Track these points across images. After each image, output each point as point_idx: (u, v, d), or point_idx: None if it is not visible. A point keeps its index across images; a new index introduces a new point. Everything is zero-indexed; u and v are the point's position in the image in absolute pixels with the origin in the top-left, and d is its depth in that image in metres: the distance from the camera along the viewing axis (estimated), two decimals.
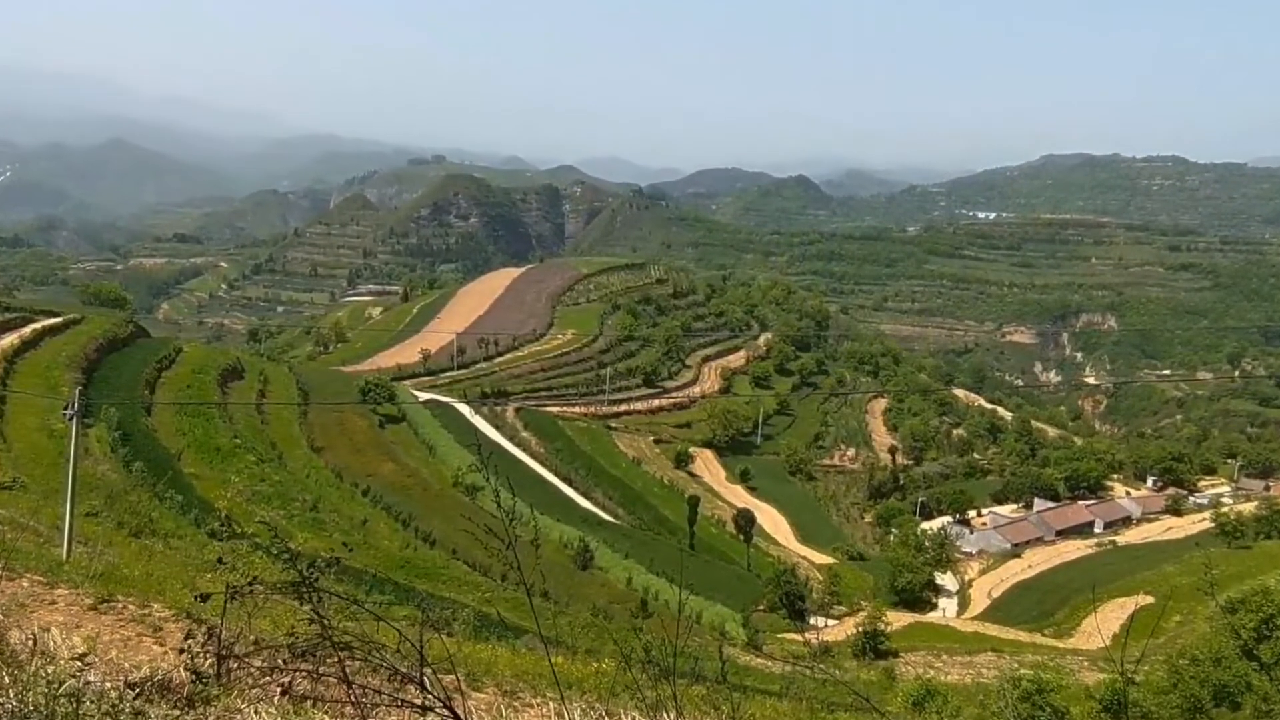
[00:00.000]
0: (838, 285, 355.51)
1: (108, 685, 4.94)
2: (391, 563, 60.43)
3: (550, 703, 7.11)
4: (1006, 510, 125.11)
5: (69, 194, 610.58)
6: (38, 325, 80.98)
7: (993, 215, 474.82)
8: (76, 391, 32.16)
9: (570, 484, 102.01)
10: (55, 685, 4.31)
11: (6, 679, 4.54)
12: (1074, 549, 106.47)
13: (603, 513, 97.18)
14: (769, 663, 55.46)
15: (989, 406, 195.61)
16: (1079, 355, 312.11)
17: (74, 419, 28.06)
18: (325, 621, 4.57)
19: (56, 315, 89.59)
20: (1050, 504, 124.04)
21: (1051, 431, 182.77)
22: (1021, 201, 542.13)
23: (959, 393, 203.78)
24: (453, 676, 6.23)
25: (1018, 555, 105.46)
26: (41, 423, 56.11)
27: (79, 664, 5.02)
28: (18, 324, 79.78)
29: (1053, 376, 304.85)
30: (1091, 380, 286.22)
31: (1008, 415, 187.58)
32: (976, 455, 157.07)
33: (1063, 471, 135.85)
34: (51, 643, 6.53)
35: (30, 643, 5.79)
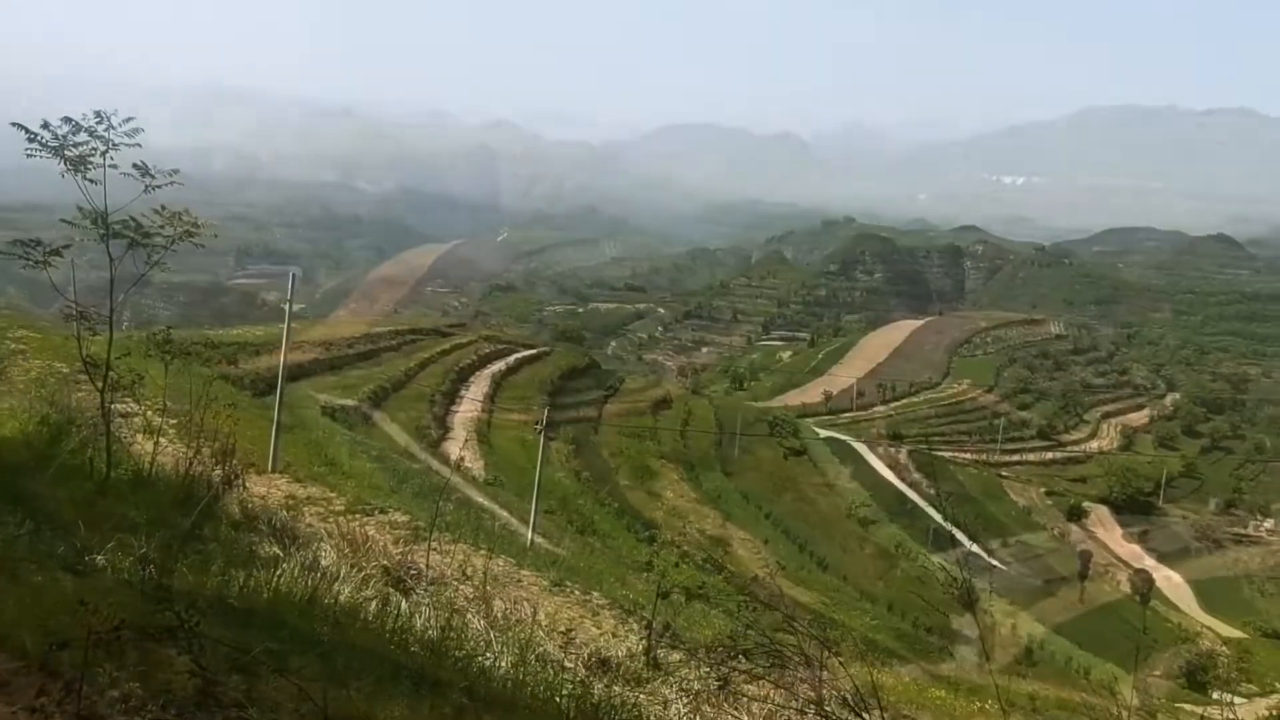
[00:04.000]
0: (1260, 348, 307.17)
1: (565, 658, 5.38)
2: (788, 582, 60.62)
3: None
4: None
5: (548, 251, 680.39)
6: (519, 355, 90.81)
7: None
8: (544, 412, 35.77)
9: (958, 526, 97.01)
10: (538, 650, 4.76)
11: (494, 640, 5.14)
12: None
13: (989, 557, 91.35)
14: None
15: None
16: None
17: (542, 434, 31.24)
18: (796, 631, 4.20)
19: (533, 348, 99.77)
20: None
21: None
22: None
23: None
24: (845, 693, 6.11)
25: None
26: (517, 434, 62.36)
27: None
28: (504, 354, 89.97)
29: None
30: None
31: None
32: None
33: None
34: (523, 614, 7.32)
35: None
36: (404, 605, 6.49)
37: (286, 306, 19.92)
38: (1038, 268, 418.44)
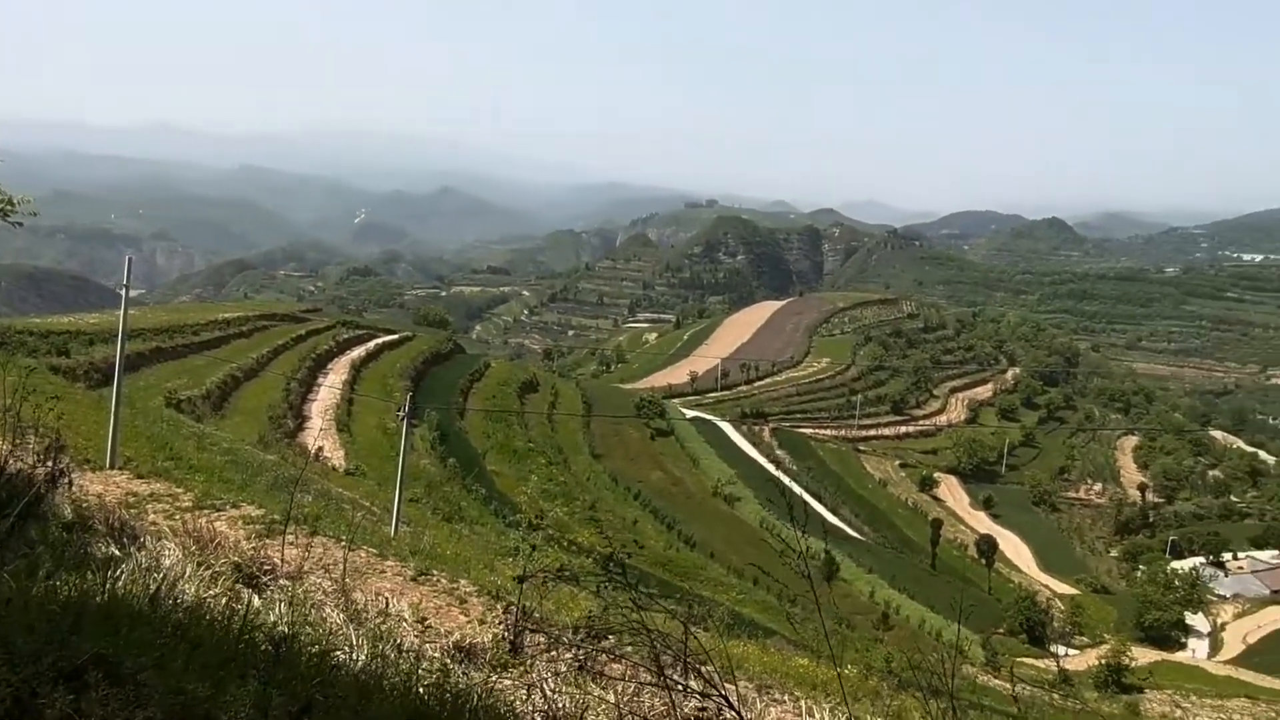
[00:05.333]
0: (1089, 324, 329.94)
1: (429, 646, 5.29)
2: (656, 561, 61.49)
3: (801, 700, 7.00)
4: (1267, 555, 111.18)
5: (408, 232, 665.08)
6: (379, 341, 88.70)
7: (1259, 258, 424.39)
8: (407, 397, 35.00)
9: (819, 500, 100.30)
10: (394, 641, 4.67)
11: (354, 633, 5.00)
12: None
13: (848, 528, 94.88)
14: (1007, 685, 51.99)
15: (1249, 449, 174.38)
16: None
17: (404, 420, 30.56)
18: (642, 609, 4.37)
19: (394, 333, 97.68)
20: None
21: None
22: None
23: (1216, 434, 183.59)
24: (711, 667, 6.26)
25: (1278, 602, 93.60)
26: (378, 421, 60.97)
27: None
28: (364, 339, 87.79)
29: None
30: None
31: (1270, 459, 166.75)
32: (1234, 498, 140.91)
33: None
34: (384, 605, 7.14)
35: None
36: (255, 602, 6.22)
37: (123, 292, 18.76)
38: (890, 250, 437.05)
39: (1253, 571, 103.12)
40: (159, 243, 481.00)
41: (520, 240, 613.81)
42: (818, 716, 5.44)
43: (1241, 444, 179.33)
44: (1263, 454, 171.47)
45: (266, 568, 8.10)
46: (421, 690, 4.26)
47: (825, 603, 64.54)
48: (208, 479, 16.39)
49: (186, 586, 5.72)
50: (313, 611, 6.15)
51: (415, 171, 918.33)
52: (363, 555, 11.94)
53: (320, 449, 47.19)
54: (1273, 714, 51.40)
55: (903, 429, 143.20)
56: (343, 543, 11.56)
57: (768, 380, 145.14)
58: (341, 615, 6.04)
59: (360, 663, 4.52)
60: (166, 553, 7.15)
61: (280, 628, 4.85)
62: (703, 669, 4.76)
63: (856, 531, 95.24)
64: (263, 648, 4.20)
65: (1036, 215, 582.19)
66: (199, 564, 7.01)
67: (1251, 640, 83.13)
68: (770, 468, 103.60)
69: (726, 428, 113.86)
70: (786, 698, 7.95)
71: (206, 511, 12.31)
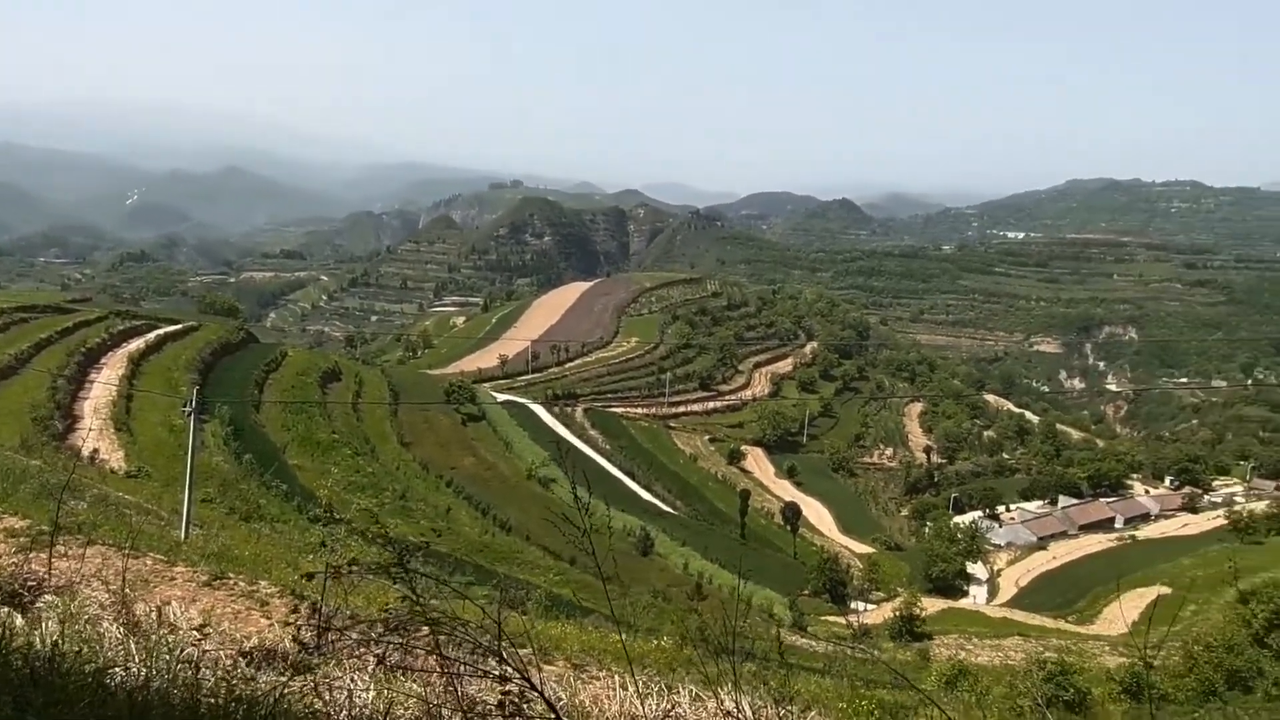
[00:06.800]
0: (877, 299, 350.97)
1: (222, 653, 4.93)
2: (472, 547, 60.89)
3: (616, 675, 7.03)
4: (1033, 506, 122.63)
5: (189, 215, 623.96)
6: (160, 331, 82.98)
7: (1021, 235, 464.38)
8: (194, 391, 32.84)
9: (633, 478, 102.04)
10: (177, 652, 4.32)
11: (134, 648, 4.59)
12: (1095, 543, 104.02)
13: (662, 504, 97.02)
14: (813, 643, 54.81)
15: (1017, 410, 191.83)
16: (1101, 364, 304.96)
17: (192, 416, 28.66)
18: (419, 599, 4.34)
19: (177, 323, 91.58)
20: (1074, 501, 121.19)
21: (1075, 434, 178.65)
22: (1048, 222, 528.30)
23: (989, 398, 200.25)
24: (527, 650, 6.17)
25: (1043, 548, 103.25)
26: (163, 419, 57.36)
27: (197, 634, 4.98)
28: (143, 330, 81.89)
29: (1077, 383, 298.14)
30: (1113, 387, 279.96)
31: (1035, 419, 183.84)
32: (1005, 455, 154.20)
33: (1086, 471, 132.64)
34: (172, 615, 6.63)
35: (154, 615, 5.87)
36: (19, 621, 5.62)
37: None
38: (694, 230, 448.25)
39: (1022, 521, 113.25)
40: None
41: (316, 222, 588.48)
42: (632, 689, 5.46)
43: (1010, 406, 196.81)
44: (1028, 414, 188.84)
45: (32, 583, 7.37)
46: (214, 701, 3.95)
47: (642, 577, 65.80)
48: None
49: None
50: (87, 627, 5.63)
51: (196, 149, 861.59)
52: (148, 563, 11.12)
53: (95, 451, 43.80)
54: (1040, 648, 56.63)
55: (710, 404, 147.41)
56: (124, 550, 10.73)
57: (578, 361, 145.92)
58: (120, 629, 5.54)
59: (140, 679, 4.15)
60: None
61: (43, 648, 4.38)
62: (519, 653, 4.66)
63: (670, 506, 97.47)
64: (22, 671, 3.77)
65: (828, 196, 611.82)
66: None
67: (1023, 583, 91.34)
68: (584, 448, 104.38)
69: (539, 410, 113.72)
70: (603, 674, 7.98)
71: None
